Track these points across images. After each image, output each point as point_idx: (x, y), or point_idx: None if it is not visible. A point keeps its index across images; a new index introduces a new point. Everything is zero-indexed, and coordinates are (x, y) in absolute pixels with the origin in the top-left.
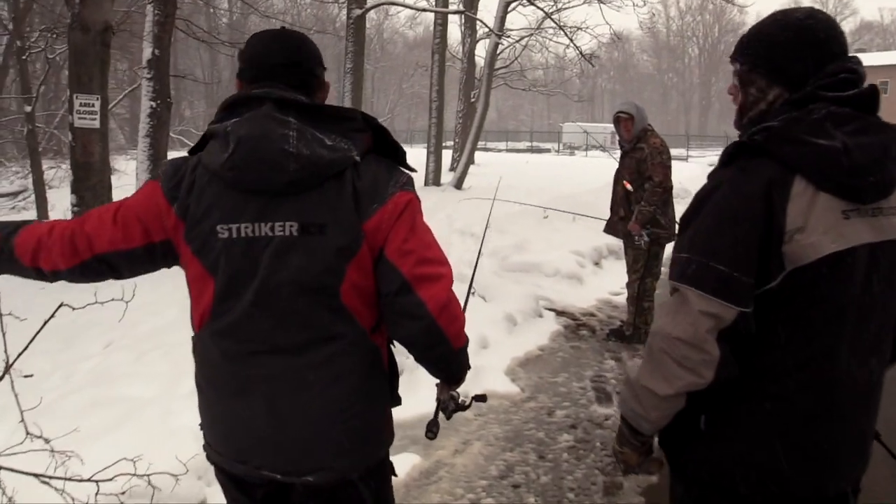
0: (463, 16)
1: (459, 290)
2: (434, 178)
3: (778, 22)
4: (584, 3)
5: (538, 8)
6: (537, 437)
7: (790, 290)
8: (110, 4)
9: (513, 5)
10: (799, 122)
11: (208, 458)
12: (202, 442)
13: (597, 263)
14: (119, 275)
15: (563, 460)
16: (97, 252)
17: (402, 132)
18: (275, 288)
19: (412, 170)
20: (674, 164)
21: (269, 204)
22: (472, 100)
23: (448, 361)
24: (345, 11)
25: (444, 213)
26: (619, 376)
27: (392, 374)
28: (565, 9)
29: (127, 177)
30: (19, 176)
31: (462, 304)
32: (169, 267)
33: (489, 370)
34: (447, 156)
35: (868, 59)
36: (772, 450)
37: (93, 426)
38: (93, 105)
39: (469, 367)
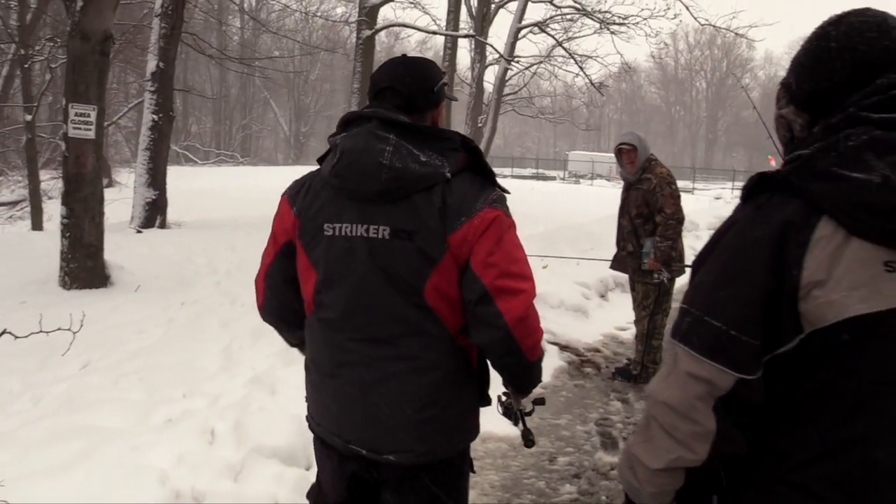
0: (473, 41)
1: None
2: None
3: (827, 33)
4: (594, 32)
5: (549, 35)
6: (537, 488)
7: (814, 356)
8: (111, 13)
9: (523, 32)
10: (830, 151)
11: (310, 427)
12: (305, 421)
13: (603, 296)
14: (296, 295)
15: None
16: (265, 276)
17: None
18: (368, 284)
19: (505, 191)
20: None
21: (367, 209)
22: (480, 125)
23: (521, 371)
24: (356, 33)
25: None
26: (625, 420)
27: (482, 375)
28: (576, 38)
29: (129, 189)
30: (20, 185)
31: None
32: None
33: (486, 409)
34: None
35: None
36: None
37: (50, 462)
38: (88, 115)
39: (540, 380)
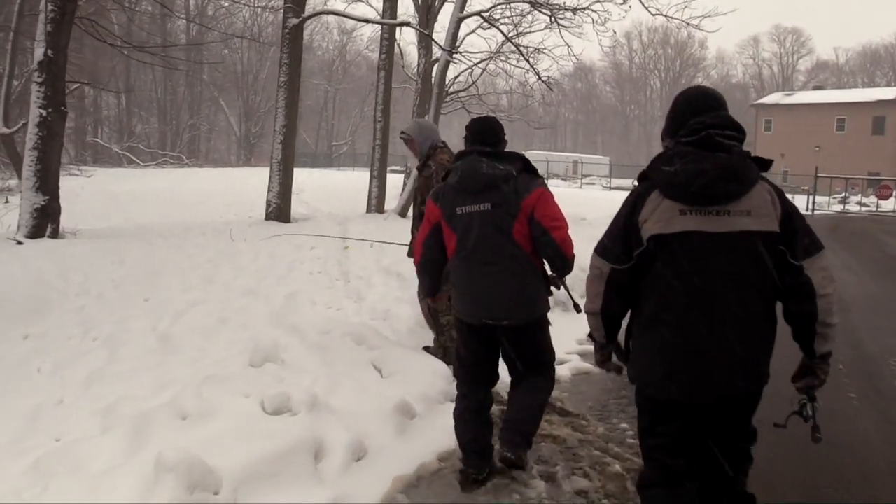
0: (418, 35)
1: None
2: (377, 205)
3: (675, 98)
4: (545, 27)
5: (497, 29)
6: None
7: (647, 260)
8: None
9: (467, 22)
10: (660, 157)
11: (455, 315)
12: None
13: None
14: (442, 253)
15: None
16: (423, 241)
17: (362, 155)
18: (483, 233)
19: (540, 176)
20: None
21: (477, 196)
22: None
23: (564, 265)
24: (282, 22)
25: (376, 250)
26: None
27: (545, 279)
28: (526, 33)
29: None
30: None
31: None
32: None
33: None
34: (397, 180)
35: (824, 96)
36: (645, 365)
37: None
38: None
39: (571, 269)
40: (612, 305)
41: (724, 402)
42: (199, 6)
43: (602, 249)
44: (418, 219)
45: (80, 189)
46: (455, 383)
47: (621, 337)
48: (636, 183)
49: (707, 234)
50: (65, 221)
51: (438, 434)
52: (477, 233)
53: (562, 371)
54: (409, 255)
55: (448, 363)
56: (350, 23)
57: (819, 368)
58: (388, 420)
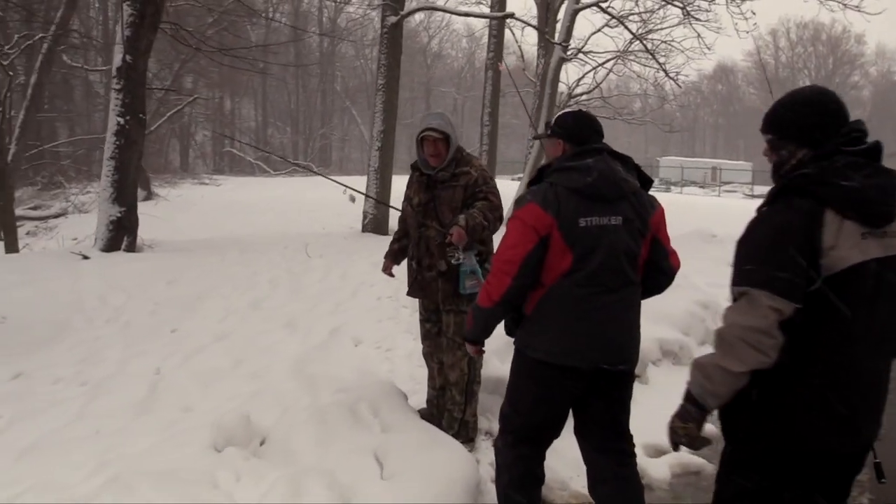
0: (539, 35)
1: None
2: None
3: (797, 101)
4: (678, 23)
5: (623, 25)
6: None
7: (825, 293)
8: None
9: (593, 20)
10: (828, 169)
11: (545, 360)
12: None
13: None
14: (538, 277)
15: None
16: (522, 261)
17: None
18: (614, 252)
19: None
20: None
21: (611, 207)
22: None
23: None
24: (380, 21)
25: None
26: None
27: None
28: (657, 29)
29: (167, 203)
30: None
31: None
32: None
33: None
34: (508, 188)
35: None
36: (810, 418)
37: None
38: None
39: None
40: (783, 353)
41: (863, 450)
42: (331, 19)
43: (779, 285)
44: (440, 248)
45: (198, 198)
46: (501, 449)
47: None
48: (770, 198)
49: (881, 259)
50: (168, 231)
51: None
52: (605, 252)
53: (657, 468)
54: (413, 293)
55: (464, 441)
56: (478, 29)
57: None
58: None
